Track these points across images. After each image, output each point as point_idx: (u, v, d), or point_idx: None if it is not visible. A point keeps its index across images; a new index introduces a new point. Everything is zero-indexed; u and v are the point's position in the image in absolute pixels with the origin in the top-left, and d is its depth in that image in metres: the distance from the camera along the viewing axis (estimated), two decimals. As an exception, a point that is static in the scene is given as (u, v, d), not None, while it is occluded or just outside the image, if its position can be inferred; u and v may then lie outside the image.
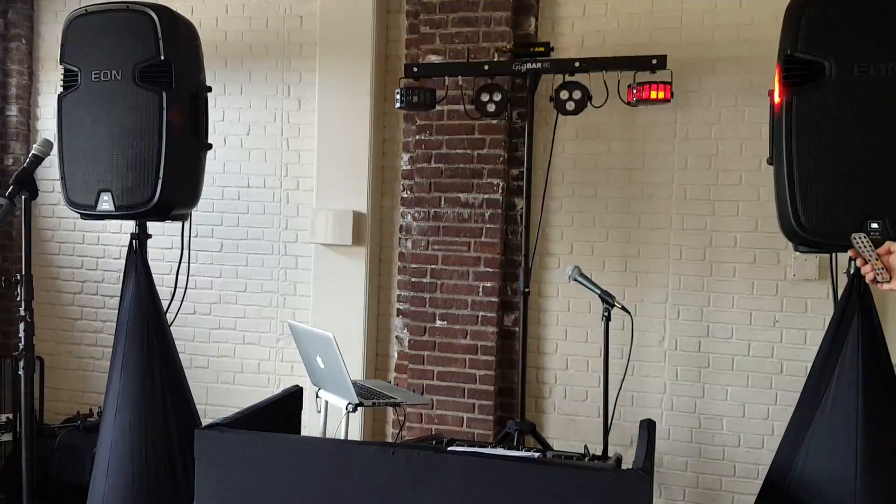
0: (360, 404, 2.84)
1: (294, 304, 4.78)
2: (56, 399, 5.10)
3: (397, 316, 4.62)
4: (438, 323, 4.34)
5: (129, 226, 4.89)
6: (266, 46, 4.80)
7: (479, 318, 4.28)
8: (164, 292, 3.71)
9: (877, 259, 1.68)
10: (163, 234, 4.65)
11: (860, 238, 1.74)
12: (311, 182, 4.68)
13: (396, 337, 4.62)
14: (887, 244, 1.70)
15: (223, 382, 4.89)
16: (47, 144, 2.80)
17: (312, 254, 4.65)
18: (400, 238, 4.61)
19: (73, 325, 5.17)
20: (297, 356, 4.81)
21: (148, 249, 3.65)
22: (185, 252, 3.65)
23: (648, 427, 2.85)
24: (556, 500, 2.32)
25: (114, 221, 4.81)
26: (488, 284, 4.28)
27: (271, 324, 4.83)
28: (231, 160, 4.84)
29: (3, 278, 3.00)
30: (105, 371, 5.15)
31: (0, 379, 5.05)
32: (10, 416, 5.06)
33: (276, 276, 4.82)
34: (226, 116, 4.84)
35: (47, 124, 5.22)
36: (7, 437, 5.00)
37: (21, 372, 2.73)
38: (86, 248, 5.14)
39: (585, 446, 3.37)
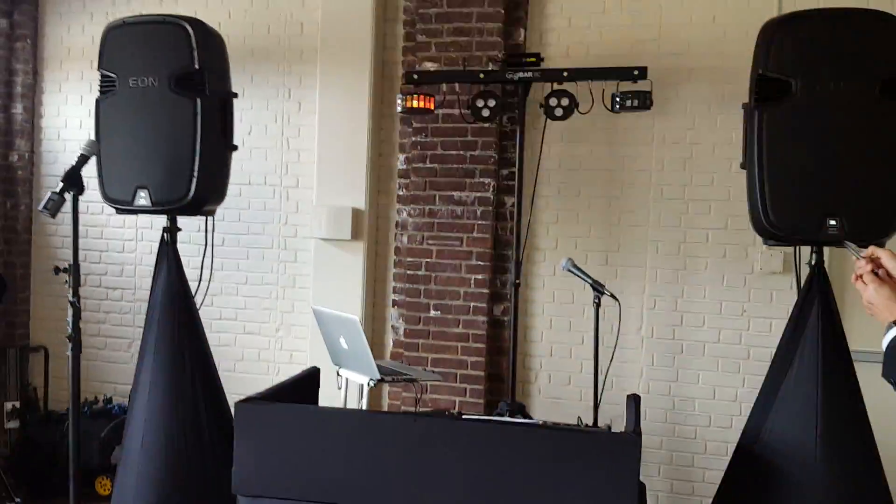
0: (382, 380, 3.14)
1: (293, 296, 5.01)
2: (60, 388, 5.26)
3: (393, 306, 4.89)
4: (432, 313, 4.61)
5: (139, 221, 5.16)
6: (267, 51, 5.03)
7: (471, 309, 4.56)
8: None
9: (867, 262, 1.86)
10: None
11: (849, 245, 1.99)
12: (309, 180, 4.92)
13: (392, 326, 4.88)
14: (871, 249, 1.84)
15: (224, 370, 5.00)
16: (94, 145, 3.04)
17: (312, 248, 4.89)
18: (396, 233, 4.87)
19: (77, 316, 5.33)
20: (295, 345, 5.07)
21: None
22: (209, 244, 3.88)
23: (635, 400, 3.20)
24: (558, 459, 2.65)
25: (119, 217, 5.02)
26: (479, 277, 4.57)
27: (271, 314, 5.05)
28: (233, 159, 5.04)
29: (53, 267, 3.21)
30: (108, 360, 5.36)
31: (5, 368, 5.21)
32: (17, 403, 5.23)
33: (275, 270, 5.05)
34: (228, 117, 5.06)
35: (51, 122, 5.40)
36: (14, 424, 5.16)
37: (69, 353, 2.97)
38: (89, 241, 5.29)
39: (579, 417, 3.68)
